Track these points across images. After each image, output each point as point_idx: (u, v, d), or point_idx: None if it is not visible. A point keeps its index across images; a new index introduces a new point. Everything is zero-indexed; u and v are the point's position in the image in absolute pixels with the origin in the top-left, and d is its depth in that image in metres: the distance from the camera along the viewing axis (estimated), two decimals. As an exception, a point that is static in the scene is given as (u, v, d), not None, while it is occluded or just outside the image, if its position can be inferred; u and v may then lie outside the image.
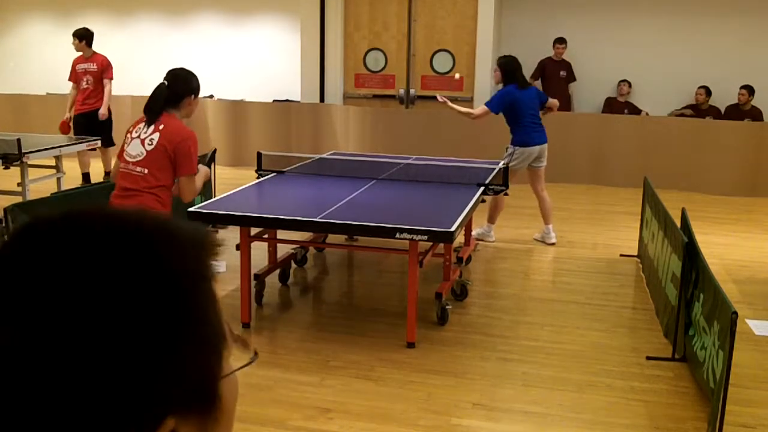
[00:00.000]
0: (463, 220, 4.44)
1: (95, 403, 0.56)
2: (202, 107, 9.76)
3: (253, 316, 4.77)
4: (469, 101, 9.92)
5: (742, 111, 9.70)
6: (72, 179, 7.83)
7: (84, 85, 8.46)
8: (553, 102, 6.86)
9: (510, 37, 10.61)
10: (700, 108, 9.96)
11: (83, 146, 7.62)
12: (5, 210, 4.65)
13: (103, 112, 8.43)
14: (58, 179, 7.24)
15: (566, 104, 10.24)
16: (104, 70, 8.48)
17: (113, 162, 4.26)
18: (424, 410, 3.64)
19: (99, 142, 7.79)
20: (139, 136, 3.94)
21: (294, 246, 5.66)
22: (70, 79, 8.55)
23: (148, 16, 12.05)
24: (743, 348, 4.37)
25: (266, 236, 5.09)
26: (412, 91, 10.35)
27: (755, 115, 9.65)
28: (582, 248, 6.58)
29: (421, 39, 10.36)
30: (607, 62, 10.51)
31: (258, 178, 5.76)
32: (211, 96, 10.83)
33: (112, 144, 8.50)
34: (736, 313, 3.19)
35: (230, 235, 5.30)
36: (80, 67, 8.46)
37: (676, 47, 10.30)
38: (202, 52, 11.67)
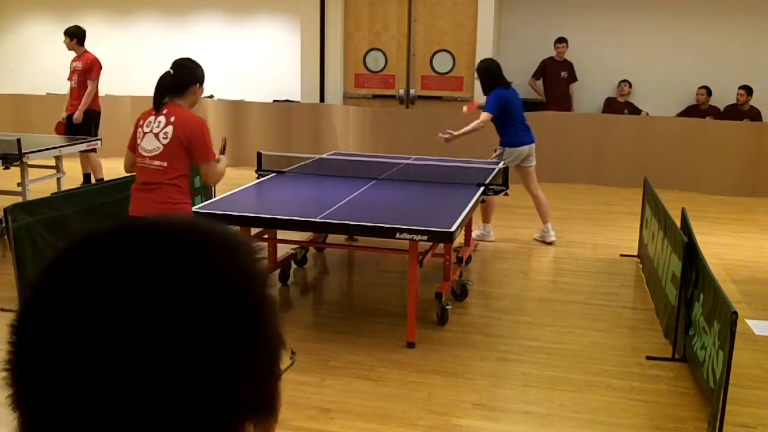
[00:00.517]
0: (462, 220, 4.45)
1: (188, 409, 0.58)
2: (202, 107, 9.77)
3: (253, 316, 4.76)
4: (469, 101, 9.90)
5: (740, 111, 9.71)
6: (72, 179, 7.83)
7: (72, 84, 8.11)
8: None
9: (510, 37, 10.60)
10: (701, 108, 9.97)
11: (83, 146, 7.59)
12: (5, 210, 4.65)
13: (76, 116, 7.89)
14: (58, 179, 7.23)
15: (567, 105, 10.25)
16: (89, 69, 7.98)
17: (125, 158, 4.17)
18: (424, 410, 3.65)
19: (99, 143, 7.73)
20: (151, 131, 3.97)
21: (294, 246, 5.66)
22: (68, 79, 8.49)
23: (148, 16, 12.05)
24: (743, 348, 4.37)
25: (266, 236, 5.09)
26: (412, 91, 10.34)
27: (754, 115, 9.65)
28: (582, 248, 6.58)
29: (421, 39, 10.36)
30: (607, 62, 10.51)
31: (258, 178, 5.76)
32: (211, 96, 10.82)
33: (94, 150, 7.81)
34: (736, 313, 3.19)
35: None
36: (72, 65, 8.16)
37: (676, 47, 10.30)
38: (202, 52, 11.63)
